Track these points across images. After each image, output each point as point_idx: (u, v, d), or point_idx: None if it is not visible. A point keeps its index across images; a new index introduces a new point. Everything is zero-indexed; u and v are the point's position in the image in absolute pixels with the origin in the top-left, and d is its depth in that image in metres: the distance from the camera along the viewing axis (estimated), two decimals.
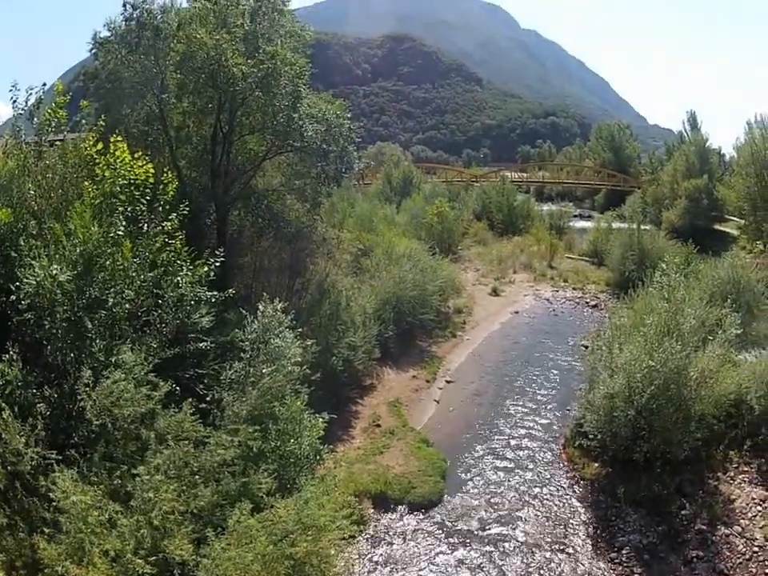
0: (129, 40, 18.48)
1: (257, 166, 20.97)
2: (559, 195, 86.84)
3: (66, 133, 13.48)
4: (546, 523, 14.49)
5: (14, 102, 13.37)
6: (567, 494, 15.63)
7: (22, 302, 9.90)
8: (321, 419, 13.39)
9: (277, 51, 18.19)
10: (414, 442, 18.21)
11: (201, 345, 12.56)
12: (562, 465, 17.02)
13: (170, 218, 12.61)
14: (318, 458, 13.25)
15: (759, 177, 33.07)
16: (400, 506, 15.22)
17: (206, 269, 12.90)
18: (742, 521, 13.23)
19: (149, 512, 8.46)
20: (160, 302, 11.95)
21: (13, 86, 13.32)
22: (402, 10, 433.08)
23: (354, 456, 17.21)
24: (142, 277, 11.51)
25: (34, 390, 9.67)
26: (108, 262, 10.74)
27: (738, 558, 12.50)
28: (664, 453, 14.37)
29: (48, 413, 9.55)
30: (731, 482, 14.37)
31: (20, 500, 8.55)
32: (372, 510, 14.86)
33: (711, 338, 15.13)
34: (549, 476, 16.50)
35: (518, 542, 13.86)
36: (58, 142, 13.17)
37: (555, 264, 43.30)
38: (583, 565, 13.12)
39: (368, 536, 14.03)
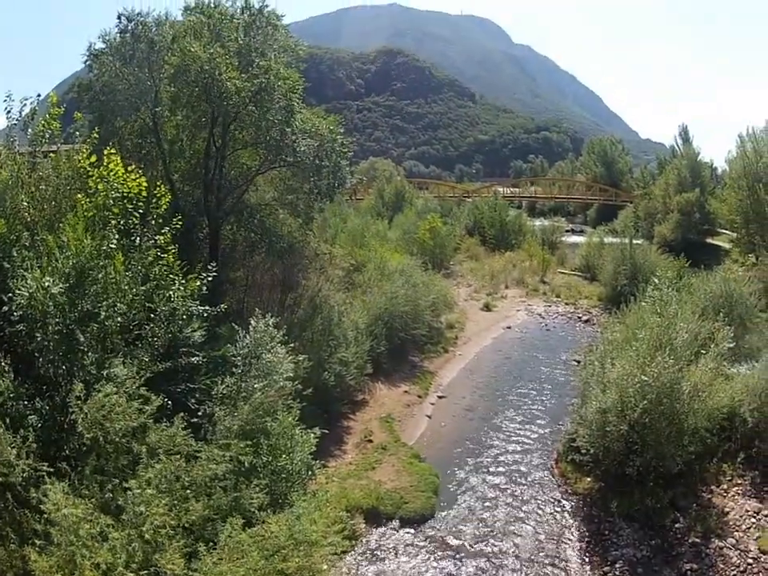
0: (123, 52, 18.56)
1: (250, 181, 21.02)
2: (551, 210, 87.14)
3: (59, 144, 13.49)
4: (539, 537, 14.43)
5: (8, 112, 13.41)
6: (560, 509, 15.58)
7: (15, 314, 9.87)
8: (312, 434, 13.39)
9: (270, 66, 18.30)
10: (406, 457, 18.13)
11: (193, 359, 12.55)
12: (554, 480, 16.97)
13: (162, 231, 12.58)
14: (309, 473, 13.23)
15: (751, 190, 33.17)
16: (392, 521, 15.12)
17: (198, 283, 12.86)
18: (736, 533, 13.19)
19: (140, 526, 8.40)
20: (152, 315, 11.89)
21: (7, 97, 13.38)
22: (395, 24, 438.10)
23: (346, 471, 17.13)
24: (135, 290, 11.45)
25: (26, 402, 9.62)
26: (100, 275, 10.71)
27: (733, 570, 12.46)
28: (657, 467, 14.30)
29: (39, 425, 9.49)
30: (725, 494, 14.34)
31: (11, 511, 8.49)
32: (364, 525, 14.74)
33: (704, 351, 15.16)
34: (541, 491, 16.44)
35: (510, 556, 13.77)
36: (51, 154, 13.17)
37: (547, 279, 43.53)
38: None
39: (360, 551, 13.90)
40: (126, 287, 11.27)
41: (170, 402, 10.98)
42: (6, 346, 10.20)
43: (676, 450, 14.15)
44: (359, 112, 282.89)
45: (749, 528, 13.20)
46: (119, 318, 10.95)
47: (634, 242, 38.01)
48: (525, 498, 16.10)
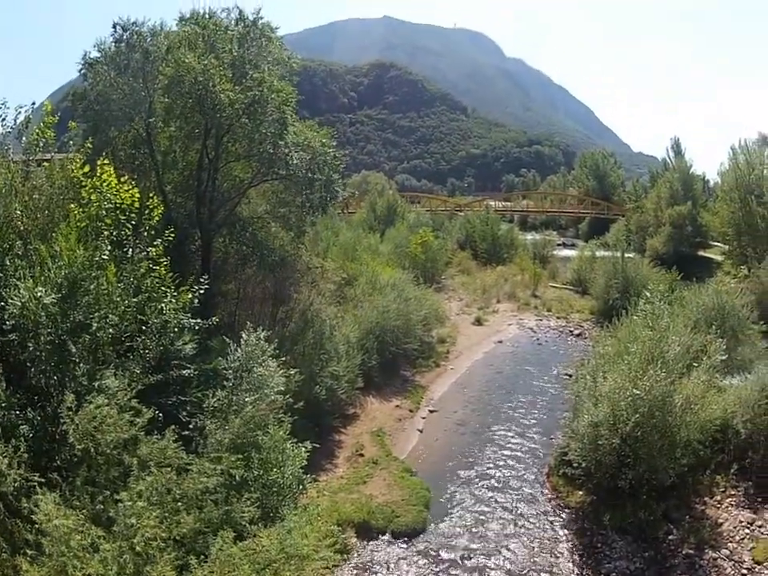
0: (118, 62, 18.58)
1: (242, 193, 21.03)
2: (543, 224, 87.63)
3: (53, 153, 13.47)
4: (531, 551, 14.36)
5: (3, 119, 13.40)
6: (552, 522, 15.54)
7: (7, 323, 9.84)
8: (304, 448, 13.43)
9: (264, 78, 18.37)
10: (398, 471, 18.08)
11: (184, 372, 12.52)
12: (546, 493, 16.93)
13: (154, 243, 12.57)
14: (300, 487, 13.24)
15: (743, 202, 33.51)
16: (384, 535, 15.06)
17: (189, 296, 12.84)
18: (729, 544, 13.20)
19: (131, 538, 8.34)
20: (144, 327, 11.87)
21: (2, 104, 13.37)
22: (388, 37, 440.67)
23: (338, 485, 17.06)
24: (126, 302, 11.44)
25: (17, 412, 9.57)
26: (92, 286, 10.70)
27: None
28: (650, 479, 14.31)
29: (31, 435, 9.44)
30: (718, 506, 14.37)
31: (2, 521, 8.43)
32: (355, 539, 14.68)
33: (696, 364, 15.20)
34: (533, 505, 16.40)
35: (502, 570, 13.72)
36: (45, 163, 13.15)
37: (539, 293, 43.59)
38: None
39: (352, 565, 13.83)
40: (118, 299, 11.24)
41: (161, 415, 10.96)
42: None
43: (668, 463, 14.18)
44: (352, 125, 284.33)
45: (743, 539, 13.22)
46: (111, 330, 10.92)
47: (626, 255, 38.04)
48: (517, 512, 16.05)
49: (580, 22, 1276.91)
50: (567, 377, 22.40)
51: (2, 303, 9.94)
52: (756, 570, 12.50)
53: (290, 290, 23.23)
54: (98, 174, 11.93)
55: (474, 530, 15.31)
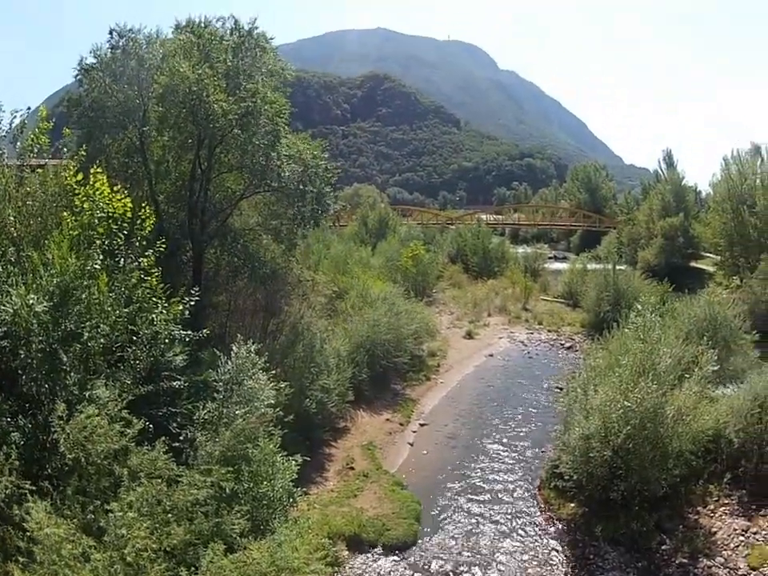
0: (114, 68, 18.50)
1: (234, 205, 21.02)
2: (535, 237, 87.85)
3: (48, 159, 13.44)
4: (523, 564, 14.31)
5: None
6: (544, 535, 15.50)
7: None
8: (294, 461, 13.36)
9: (257, 89, 18.39)
10: (388, 484, 18.03)
11: (174, 383, 12.46)
12: (537, 506, 16.90)
13: (146, 254, 12.54)
14: (291, 500, 13.16)
15: (736, 212, 33.82)
16: (374, 548, 15.00)
17: (180, 307, 12.82)
18: (724, 552, 13.21)
19: (122, 548, 8.29)
20: (134, 338, 11.84)
21: None
22: (382, 49, 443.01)
23: (328, 498, 16.98)
24: (117, 312, 11.40)
25: (9, 419, 9.51)
26: (84, 295, 10.65)
27: None
28: (642, 491, 14.33)
29: (22, 442, 9.36)
30: (712, 515, 14.38)
31: None
32: (346, 552, 14.60)
33: (688, 375, 15.25)
34: (524, 517, 16.37)
35: None
36: (39, 169, 13.11)
37: (530, 306, 43.71)
38: None
39: None
40: (109, 308, 11.20)
41: (151, 426, 10.92)
42: None
43: (661, 474, 14.22)
44: (345, 137, 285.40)
45: (737, 546, 13.24)
46: (102, 340, 10.88)
47: (618, 267, 38.25)
48: (508, 525, 16.01)
49: (577, 26, 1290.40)
50: (558, 389, 22.38)
51: None
52: (752, 575, 12.54)
53: (281, 303, 23.20)
54: (91, 183, 11.90)
55: (465, 542, 15.26)
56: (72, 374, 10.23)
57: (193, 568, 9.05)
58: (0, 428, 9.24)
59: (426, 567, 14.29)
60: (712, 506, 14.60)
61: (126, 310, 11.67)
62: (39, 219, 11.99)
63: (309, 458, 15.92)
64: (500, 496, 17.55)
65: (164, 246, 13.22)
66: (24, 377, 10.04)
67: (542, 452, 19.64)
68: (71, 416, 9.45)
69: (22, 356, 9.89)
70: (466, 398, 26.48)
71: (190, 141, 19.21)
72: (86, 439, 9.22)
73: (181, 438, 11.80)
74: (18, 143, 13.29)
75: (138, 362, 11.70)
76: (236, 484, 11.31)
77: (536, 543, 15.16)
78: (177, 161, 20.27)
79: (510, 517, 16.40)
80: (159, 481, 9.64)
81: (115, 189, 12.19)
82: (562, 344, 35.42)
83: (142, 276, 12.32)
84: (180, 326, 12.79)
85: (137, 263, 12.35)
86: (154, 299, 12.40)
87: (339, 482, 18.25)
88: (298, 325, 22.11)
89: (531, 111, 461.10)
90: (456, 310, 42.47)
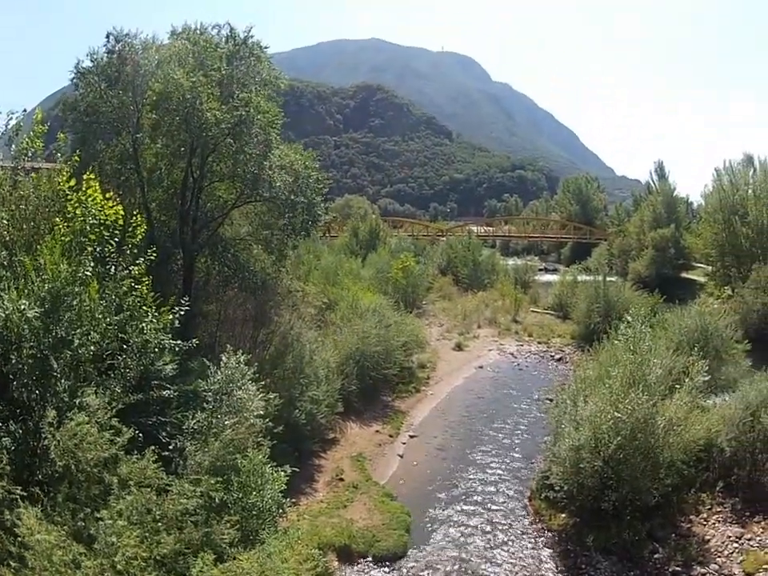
0: (109, 73, 18.38)
1: (225, 214, 20.96)
2: (525, 249, 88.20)
3: (41, 161, 13.40)
4: (514, 575, 14.27)
5: None
6: (535, 545, 15.46)
7: None
8: (283, 472, 13.35)
9: (251, 98, 18.37)
10: (378, 496, 17.97)
11: (164, 392, 12.43)
12: (528, 517, 16.87)
13: (137, 262, 12.51)
14: (280, 510, 13.16)
15: (727, 223, 34.03)
16: (364, 559, 14.94)
17: (171, 316, 12.78)
18: (718, 559, 13.24)
19: (112, 556, 8.23)
20: (125, 346, 11.82)
21: None
22: (376, 59, 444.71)
23: (318, 509, 16.90)
24: (108, 320, 11.38)
25: (0, 424, 9.43)
26: (75, 302, 10.63)
27: None
28: (633, 500, 14.34)
29: (13, 448, 9.30)
30: (705, 523, 14.43)
31: None
32: (336, 563, 14.52)
33: (679, 385, 15.30)
34: (514, 528, 16.32)
35: None
36: (33, 173, 13.05)
37: (520, 318, 43.81)
38: None
39: None
40: (100, 316, 11.18)
41: (140, 435, 10.91)
42: None
43: (652, 484, 14.26)
44: (337, 148, 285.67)
45: (731, 553, 13.27)
46: (92, 347, 10.84)
47: (608, 279, 38.37)
48: (498, 536, 15.97)
49: (575, 28, 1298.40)
50: (548, 401, 22.40)
51: None
52: None
53: (271, 313, 23.11)
54: (83, 189, 11.87)
55: (455, 554, 15.20)
56: (62, 380, 10.20)
57: None
58: None
59: None
60: (705, 515, 14.66)
61: (116, 318, 11.65)
62: (32, 224, 11.97)
63: (298, 469, 15.87)
64: (490, 507, 17.50)
65: (155, 254, 13.21)
66: (15, 382, 9.99)
67: (532, 463, 19.66)
68: (61, 423, 9.43)
69: (13, 361, 9.85)
70: (455, 409, 26.45)
71: (182, 149, 19.14)
72: (76, 446, 9.19)
73: (170, 447, 11.81)
74: (14, 146, 13.24)
75: (127, 370, 11.66)
76: (225, 494, 11.36)
77: (527, 554, 15.11)
78: (169, 169, 20.17)
79: (500, 528, 16.36)
80: (149, 490, 9.67)
81: (107, 196, 12.18)
82: (552, 356, 35.49)
83: (133, 284, 12.30)
84: (170, 335, 12.75)
85: (128, 271, 12.32)
86: (144, 307, 12.37)
87: (329, 493, 18.17)
88: (288, 335, 22.02)
89: (523, 123, 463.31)
90: (446, 322, 42.50)
